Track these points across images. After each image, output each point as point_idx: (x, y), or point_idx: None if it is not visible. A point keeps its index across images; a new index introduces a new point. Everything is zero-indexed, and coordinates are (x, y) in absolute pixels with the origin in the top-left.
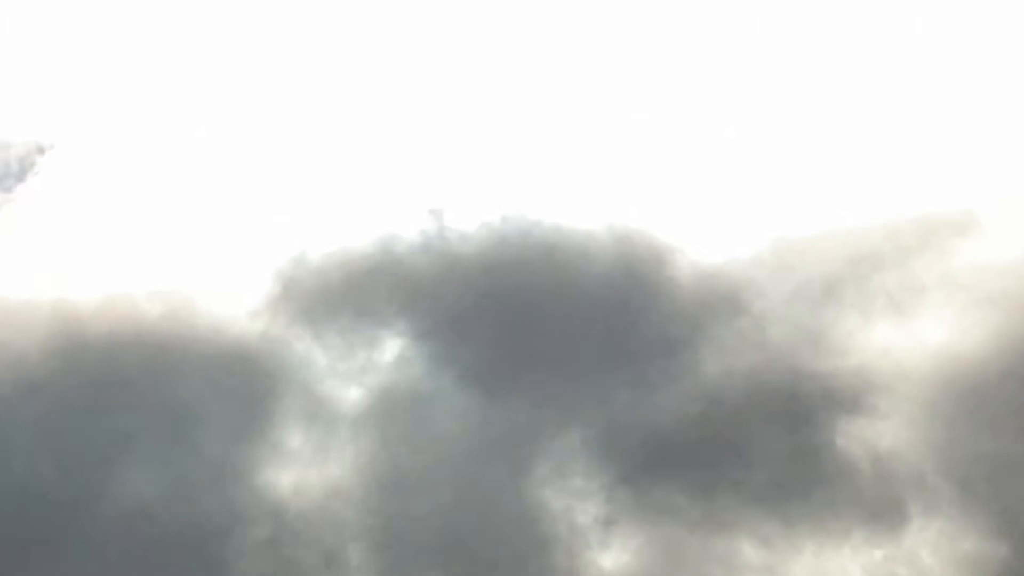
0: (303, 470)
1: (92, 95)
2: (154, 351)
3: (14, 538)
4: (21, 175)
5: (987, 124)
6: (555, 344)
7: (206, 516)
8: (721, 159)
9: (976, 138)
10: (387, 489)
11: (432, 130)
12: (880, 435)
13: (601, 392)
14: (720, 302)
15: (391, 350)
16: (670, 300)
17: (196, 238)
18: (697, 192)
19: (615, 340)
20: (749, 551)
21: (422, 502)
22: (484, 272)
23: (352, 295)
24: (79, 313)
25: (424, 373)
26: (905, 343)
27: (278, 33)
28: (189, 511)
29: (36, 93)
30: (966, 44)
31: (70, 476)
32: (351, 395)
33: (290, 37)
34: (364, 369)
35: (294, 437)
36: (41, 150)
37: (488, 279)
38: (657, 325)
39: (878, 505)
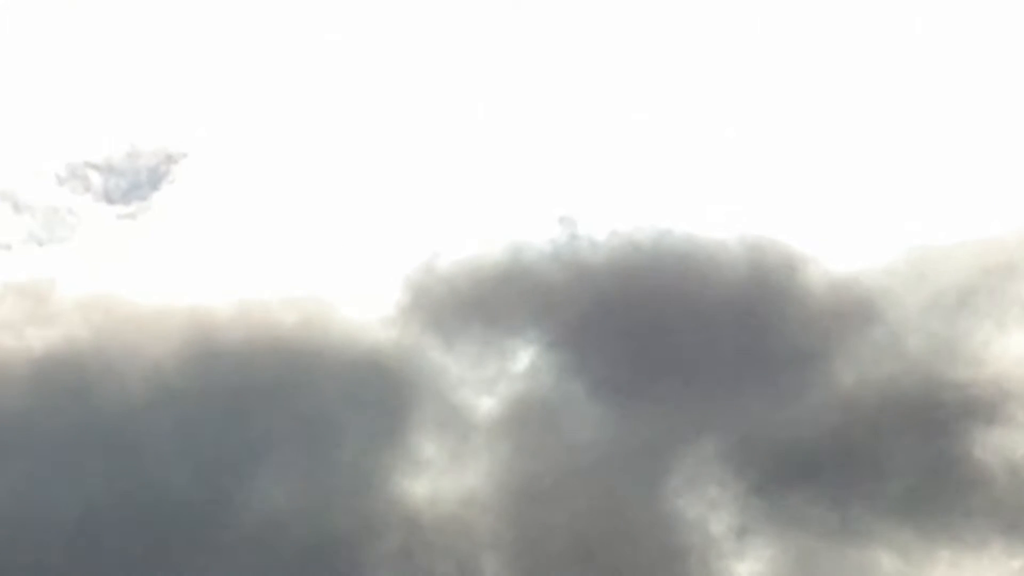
0: (437, 479)
1: (222, 103)
2: (289, 359)
3: (150, 545)
4: (155, 183)
5: None
6: (687, 353)
7: (340, 525)
8: (855, 167)
9: None
10: (521, 498)
11: (563, 137)
12: (1017, 445)
13: (734, 402)
14: (854, 311)
15: (523, 359)
16: (803, 309)
17: (328, 244)
18: (830, 200)
19: (747, 350)
20: (885, 561)
21: (556, 511)
22: (615, 281)
23: (483, 303)
24: (214, 320)
25: (556, 382)
26: None
27: (409, 38)
28: (323, 519)
29: (164, 102)
30: None
31: (205, 483)
32: (484, 404)
33: (421, 42)
34: (496, 378)
35: (428, 446)
36: (173, 159)
37: (619, 288)
38: (790, 334)
39: (1016, 515)
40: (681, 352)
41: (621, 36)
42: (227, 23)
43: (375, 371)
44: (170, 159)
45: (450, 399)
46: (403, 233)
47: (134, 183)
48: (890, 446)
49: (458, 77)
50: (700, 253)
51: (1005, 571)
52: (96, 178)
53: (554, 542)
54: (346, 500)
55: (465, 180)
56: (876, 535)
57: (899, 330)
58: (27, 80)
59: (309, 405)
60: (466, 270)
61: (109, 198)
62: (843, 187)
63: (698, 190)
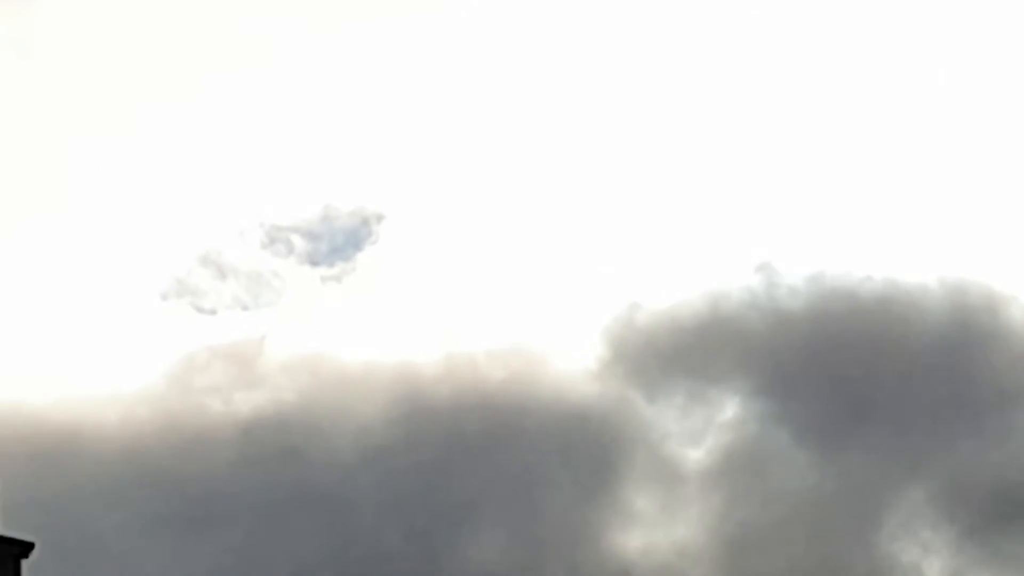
0: (650, 531)
1: (417, 163)
2: (496, 414)
3: None
4: (357, 244)
5: None
6: (891, 398)
7: None
8: None
9: None
10: (734, 546)
11: (758, 184)
12: None
13: (942, 446)
14: None
15: (727, 409)
16: (1007, 350)
17: (530, 296)
18: None
19: (952, 392)
20: None
21: (770, 558)
22: (815, 327)
23: (684, 354)
24: (421, 376)
25: (761, 431)
26: None
27: (605, 90)
28: (536, 574)
29: (359, 165)
30: None
31: (415, 541)
32: (693, 455)
33: (616, 94)
34: (703, 429)
35: (638, 498)
36: (373, 219)
37: (819, 334)
38: (995, 376)
39: None
40: (886, 397)
41: (816, 85)
42: (417, 87)
43: (582, 425)
44: (369, 220)
45: (658, 451)
46: (602, 282)
47: (335, 245)
48: None
49: (654, 130)
50: (901, 296)
51: None
52: (298, 241)
53: None
54: (558, 554)
55: (661, 229)
56: None
57: None
58: (226, 147)
59: (518, 460)
60: (665, 322)
61: (312, 260)
62: None
63: (895, 233)
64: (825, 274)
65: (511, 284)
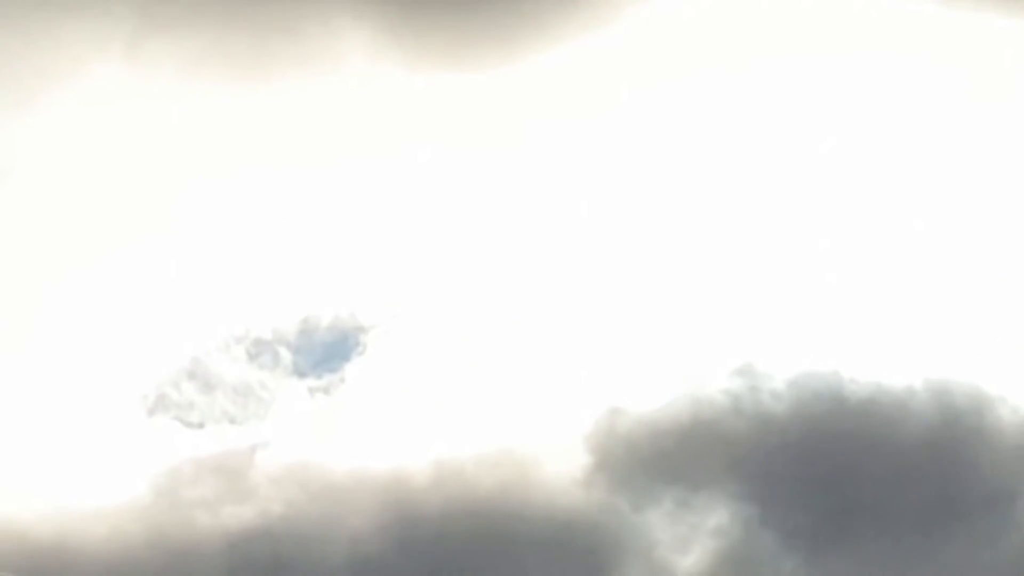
0: None
1: (402, 274)
2: (486, 521)
3: None
4: (345, 354)
5: None
6: (878, 500)
7: None
8: None
9: None
10: None
11: (736, 286)
12: None
13: (932, 547)
14: None
15: (714, 515)
16: (995, 450)
17: (513, 401)
18: (1017, 338)
19: (939, 494)
20: None
21: None
22: (799, 430)
23: (667, 460)
24: (411, 485)
25: (749, 536)
26: None
27: (583, 198)
28: None
29: (343, 276)
30: None
31: None
32: (685, 562)
33: (593, 200)
34: (691, 535)
35: None
36: (362, 329)
37: (803, 437)
38: (983, 476)
39: None
40: (872, 498)
41: (794, 183)
42: (398, 197)
43: (571, 533)
44: (355, 330)
45: (651, 558)
46: (582, 387)
47: (322, 356)
48: None
49: (631, 235)
50: (885, 398)
51: None
52: (285, 353)
53: None
54: None
55: (639, 332)
56: None
57: None
58: (206, 260)
59: (508, 568)
60: (647, 428)
61: (299, 372)
62: None
63: (875, 336)
64: (807, 376)
65: (495, 389)
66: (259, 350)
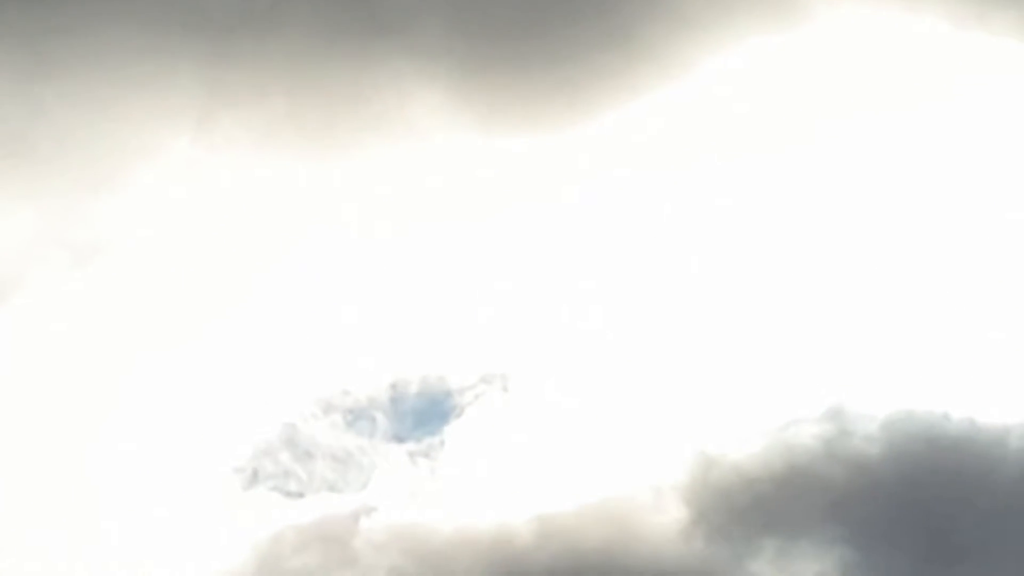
0: None
1: (484, 334)
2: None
3: None
4: (443, 416)
5: None
6: (979, 545)
7: None
8: None
9: None
10: None
11: (823, 327)
12: None
13: None
14: None
15: (814, 563)
16: None
17: (608, 454)
18: None
19: None
20: None
21: None
22: (894, 472)
23: (760, 507)
24: (515, 544)
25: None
26: None
27: (659, 254)
28: None
29: (428, 338)
30: None
31: None
32: None
33: (671, 256)
34: None
35: None
36: (457, 391)
37: (899, 479)
38: None
39: None
40: (973, 544)
41: (880, 222)
42: (478, 261)
43: None
44: (451, 393)
45: None
46: (673, 435)
47: (419, 419)
48: None
49: (714, 283)
50: (982, 438)
51: None
52: (381, 418)
53: None
54: None
55: (727, 378)
56: None
57: None
58: (292, 329)
59: None
60: (740, 476)
61: (397, 437)
62: None
63: (973, 372)
64: (902, 415)
65: (591, 442)
66: (355, 416)
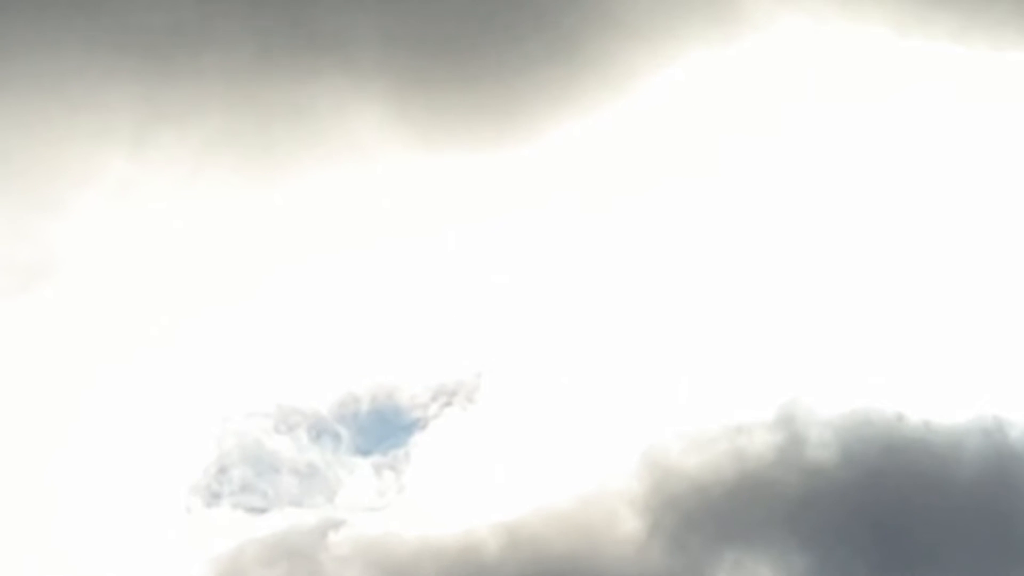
0: None
1: (436, 347)
2: None
3: None
4: (408, 429)
5: None
6: (936, 548)
7: None
8: None
9: None
10: None
11: (774, 328)
12: None
13: None
14: None
15: (772, 572)
16: None
17: (563, 463)
18: None
19: (1000, 535)
20: None
21: None
22: (849, 477)
23: (712, 512)
24: (483, 552)
25: None
26: None
27: (600, 274)
28: None
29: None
30: None
31: None
32: None
33: (615, 276)
34: None
35: None
36: (419, 405)
37: (854, 483)
38: None
39: None
40: (930, 546)
41: (835, 225)
42: (419, 278)
43: None
44: (412, 407)
45: None
46: (624, 446)
47: (383, 433)
48: None
49: (653, 304)
50: (938, 440)
51: None
52: (344, 432)
53: None
54: None
55: (677, 380)
56: None
57: None
58: (245, 348)
59: None
60: (693, 487)
61: (361, 450)
62: None
63: (927, 372)
64: (855, 414)
65: (549, 450)
66: (318, 431)
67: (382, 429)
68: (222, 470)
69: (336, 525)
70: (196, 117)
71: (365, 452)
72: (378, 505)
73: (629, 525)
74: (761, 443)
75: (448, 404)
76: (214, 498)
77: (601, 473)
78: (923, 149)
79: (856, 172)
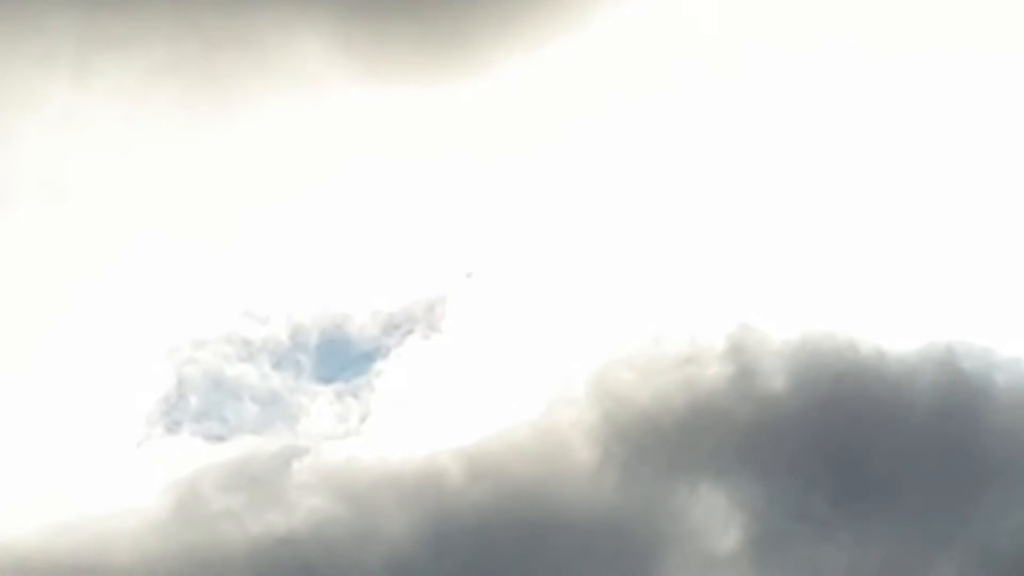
0: None
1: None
2: (524, 513)
3: None
4: (370, 357)
5: None
6: (890, 479)
7: None
8: None
9: None
10: None
11: (728, 253)
12: None
13: (947, 522)
14: None
15: (721, 498)
16: (1007, 415)
17: (523, 389)
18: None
19: (953, 464)
20: None
21: None
22: (800, 405)
23: (663, 442)
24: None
25: (758, 520)
26: None
27: (555, 209)
28: None
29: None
30: None
31: None
32: (721, 546)
33: (572, 210)
34: (709, 523)
35: None
36: (384, 332)
37: (805, 410)
38: (995, 444)
39: None
40: (884, 477)
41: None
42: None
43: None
44: (376, 335)
45: (692, 543)
46: (576, 376)
47: (345, 361)
48: None
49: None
50: (891, 368)
51: None
52: (304, 360)
53: None
54: None
55: (624, 300)
56: None
57: None
58: (211, 268)
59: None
60: (644, 417)
61: (323, 378)
62: None
63: (879, 298)
64: (804, 339)
65: (504, 378)
66: (280, 358)
67: (343, 357)
68: (182, 397)
69: (299, 453)
70: (140, 44)
71: (327, 380)
72: (340, 433)
73: (582, 454)
74: (712, 373)
75: (409, 332)
76: (175, 425)
77: (553, 402)
78: (882, 76)
79: (811, 99)
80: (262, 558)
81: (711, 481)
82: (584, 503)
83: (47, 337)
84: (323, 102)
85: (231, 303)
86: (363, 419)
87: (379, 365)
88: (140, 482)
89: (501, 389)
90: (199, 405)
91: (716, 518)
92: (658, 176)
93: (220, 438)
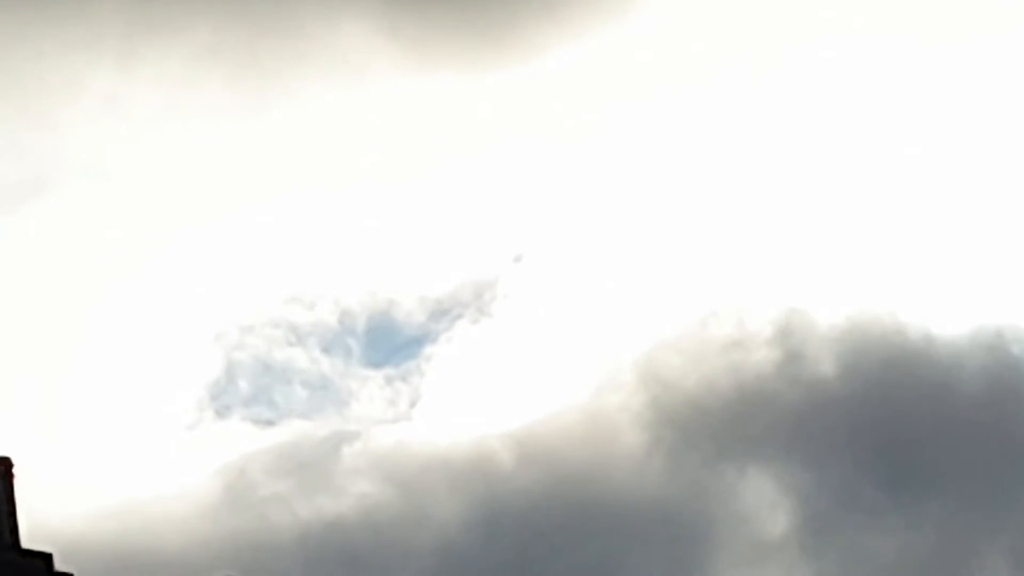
0: None
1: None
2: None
3: None
4: (419, 342)
5: None
6: (936, 463)
7: None
8: None
9: None
10: None
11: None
12: None
13: (992, 504)
14: None
15: (769, 484)
16: None
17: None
18: None
19: (1000, 446)
20: None
21: None
22: (847, 389)
23: (711, 427)
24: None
25: (807, 503)
26: None
27: (610, 192)
28: None
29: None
30: None
31: None
32: (771, 530)
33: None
34: (758, 506)
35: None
36: (433, 318)
37: (852, 395)
38: None
39: None
40: (931, 462)
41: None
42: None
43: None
44: (426, 320)
45: (719, 533)
46: (625, 367)
47: (395, 346)
48: None
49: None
50: (939, 353)
51: None
52: (355, 345)
53: None
54: None
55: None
56: None
57: None
58: (258, 258)
59: (597, 549)
60: (693, 404)
61: (373, 363)
62: None
63: (928, 283)
64: (855, 329)
65: (554, 363)
66: (329, 343)
67: (392, 342)
68: (231, 382)
69: (349, 438)
70: (184, 32)
71: (376, 364)
72: (389, 418)
73: (630, 438)
74: (760, 357)
75: (459, 317)
76: (224, 409)
77: (601, 387)
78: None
79: (859, 86)
80: (311, 542)
81: (759, 466)
82: (632, 487)
83: (94, 324)
84: (367, 89)
85: (277, 288)
86: (412, 404)
87: (428, 349)
88: (190, 467)
89: (549, 373)
90: (248, 390)
91: (764, 503)
92: (705, 161)
93: (270, 423)
